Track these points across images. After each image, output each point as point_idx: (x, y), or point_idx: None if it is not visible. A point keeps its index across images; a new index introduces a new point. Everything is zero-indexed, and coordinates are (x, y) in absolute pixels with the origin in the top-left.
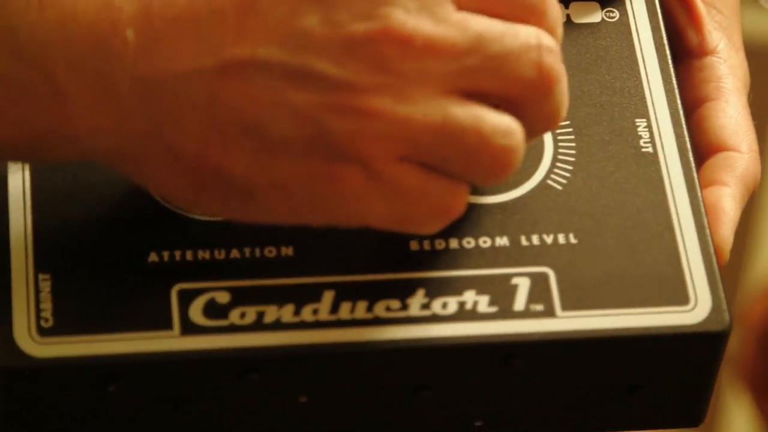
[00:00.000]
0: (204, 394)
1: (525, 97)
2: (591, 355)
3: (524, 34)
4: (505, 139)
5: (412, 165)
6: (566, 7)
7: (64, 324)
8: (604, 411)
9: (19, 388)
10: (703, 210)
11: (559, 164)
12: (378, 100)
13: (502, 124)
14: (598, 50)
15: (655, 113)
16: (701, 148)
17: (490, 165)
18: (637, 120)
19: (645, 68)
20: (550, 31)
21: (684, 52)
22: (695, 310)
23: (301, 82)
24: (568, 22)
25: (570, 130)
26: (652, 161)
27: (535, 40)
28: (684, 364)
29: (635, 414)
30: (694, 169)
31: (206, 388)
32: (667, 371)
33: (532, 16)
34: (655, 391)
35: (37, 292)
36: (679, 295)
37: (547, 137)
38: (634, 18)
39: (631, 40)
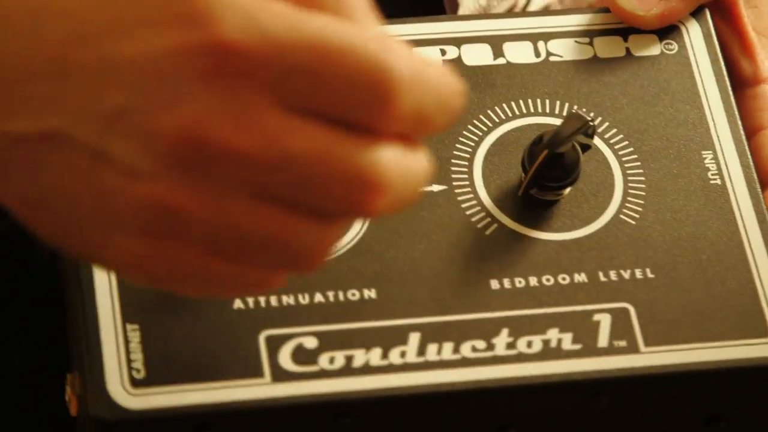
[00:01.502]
0: None
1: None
2: (673, 389)
3: (345, 165)
4: (309, 240)
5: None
6: (625, 39)
7: (156, 374)
8: None
9: None
10: None
11: (630, 198)
12: (176, 195)
13: (305, 230)
14: (659, 83)
15: (720, 145)
16: (760, 176)
17: (294, 263)
18: (703, 152)
19: (707, 100)
20: (413, 127)
21: (737, 81)
22: None
23: (101, 163)
24: (628, 55)
25: (638, 164)
26: (721, 193)
27: (353, 174)
28: (763, 396)
29: None
30: (762, 201)
31: None
32: (745, 404)
33: (376, 114)
34: (732, 423)
35: (127, 342)
36: (758, 328)
37: (617, 171)
38: (693, 50)
39: (692, 71)
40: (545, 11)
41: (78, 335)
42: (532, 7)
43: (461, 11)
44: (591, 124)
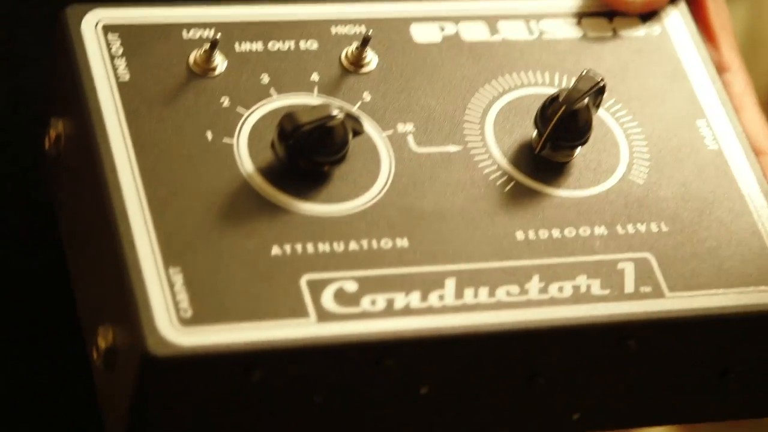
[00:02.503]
0: (340, 381)
1: None
2: (696, 333)
3: None
4: None
5: None
6: (610, 21)
7: (203, 314)
8: (694, 400)
9: (167, 377)
10: None
11: (636, 161)
12: None
13: None
14: (647, 61)
15: (711, 115)
16: None
17: None
18: (697, 121)
19: (693, 76)
20: None
21: None
22: None
23: None
24: (615, 35)
25: (639, 130)
26: (718, 155)
27: None
28: None
29: (726, 403)
30: (755, 157)
31: (343, 375)
32: (759, 351)
33: None
34: (745, 375)
35: (171, 285)
36: None
37: (620, 136)
38: (674, 32)
39: (675, 51)
40: None
41: (118, 282)
42: None
43: None
44: (602, 83)
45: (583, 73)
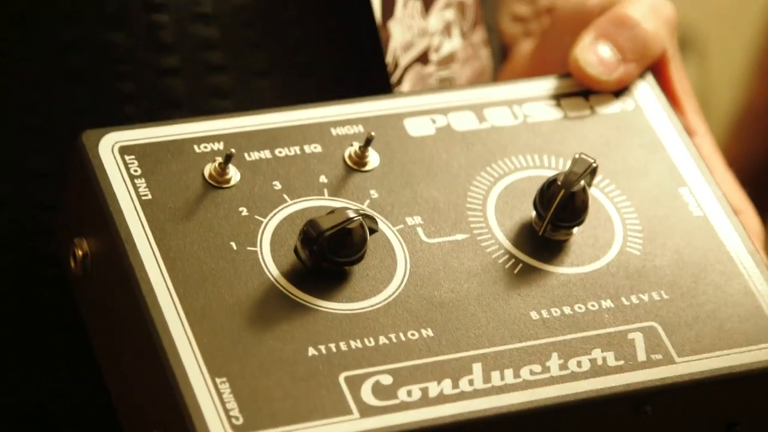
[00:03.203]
0: None
1: None
2: (706, 393)
3: None
4: None
5: None
6: (587, 99)
7: (254, 420)
8: None
9: None
10: (755, 250)
11: (630, 234)
12: None
13: None
14: (625, 136)
15: (692, 182)
16: None
17: None
18: (679, 189)
19: (669, 146)
20: None
21: None
22: None
23: None
24: (593, 113)
25: (629, 203)
26: (704, 221)
27: None
28: None
29: None
30: (737, 219)
31: None
32: (761, 404)
33: None
34: (750, 426)
35: (220, 394)
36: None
37: (612, 212)
38: (646, 105)
39: (650, 124)
40: (516, 80)
41: (168, 396)
42: (443, 50)
43: (392, 44)
44: (595, 165)
45: (577, 156)
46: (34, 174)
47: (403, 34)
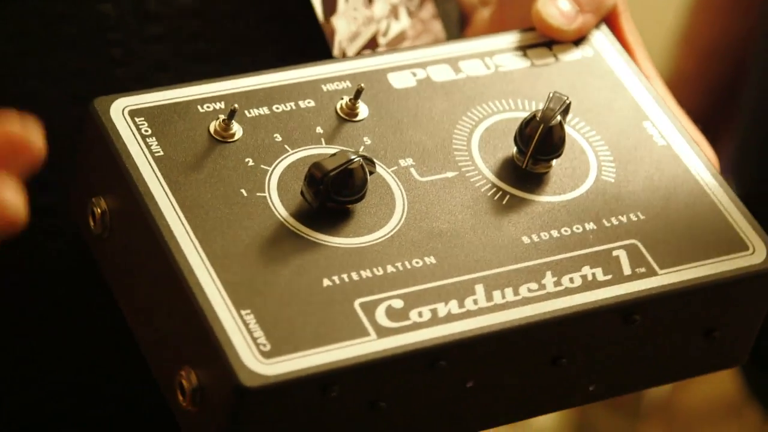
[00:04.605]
0: (401, 387)
1: None
2: (688, 301)
3: None
4: None
5: None
6: (550, 49)
7: (280, 345)
8: (684, 359)
9: (257, 404)
10: (717, 172)
11: (603, 164)
12: None
13: None
14: (588, 79)
15: (653, 116)
16: None
17: None
18: (643, 123)
19: (629, 86)
20: None
21: None
22: (756, 254)
23: None
24: (558, 61)
25: (599, 137)
26: (668, 149)
27: None
28: (749, 302)
29: (709, 358)
30: (697, 146)
31: (404, 381)
32: (736, 310)
33: None
34: (725, 332)
35: (246, 325)
36: (739, 244)
37: (587, 147)
38: (604, 52)
39: (609, 68)
40: (485, 36)
41: (198, 331)
42: (391, 32)
43: (337, 37)
44: (569, 101)
45: (551, 95)
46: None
47: (348, 26)
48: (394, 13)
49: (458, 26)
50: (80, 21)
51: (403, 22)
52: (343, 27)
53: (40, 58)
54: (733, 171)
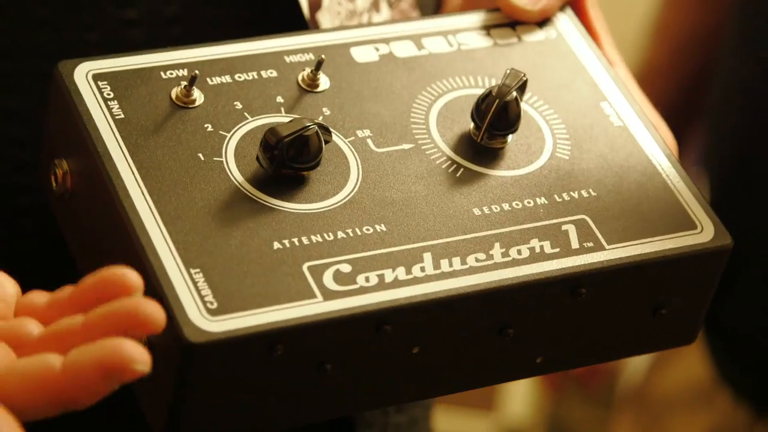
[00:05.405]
0: (347, 350)
1: None
2: (635, 277)
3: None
4: None
5: None
6: (514, 30)
7: (227, 304)
8: (633, 336)
9: (204, 360)
10: (671, 153)
11: (559, 141)
12: None
13: None
14: (550, 60)
15: (611, 98)
16: None
17: None
18: (601, 103)
19: (589, 67)
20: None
21: None
22: (704, 233)
23: None
24: (521, 41)
25: (556, 116)
26: (623, 130)
27: None
28: (696, 281)
29: (657, 336)
30: (654, 128)
31: (349, 344)
32: (683, 288)
33: None
34: (673, 310)
35: (195, 283)
36: (687, 223)
37: (543, 125)
38: (567, 34)
39: (571, 49)
40: (450, 14)
41: (148, 287)
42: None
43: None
44: (525, 78)
45: (508, 71)
46: (7, 112)
47: (332, 21)
48: (375, 5)
49: (435, 11)
50: (55, 4)
51: (384, 15)
52: (327, 22)
53: (16, 39)
54: (704, 162)
